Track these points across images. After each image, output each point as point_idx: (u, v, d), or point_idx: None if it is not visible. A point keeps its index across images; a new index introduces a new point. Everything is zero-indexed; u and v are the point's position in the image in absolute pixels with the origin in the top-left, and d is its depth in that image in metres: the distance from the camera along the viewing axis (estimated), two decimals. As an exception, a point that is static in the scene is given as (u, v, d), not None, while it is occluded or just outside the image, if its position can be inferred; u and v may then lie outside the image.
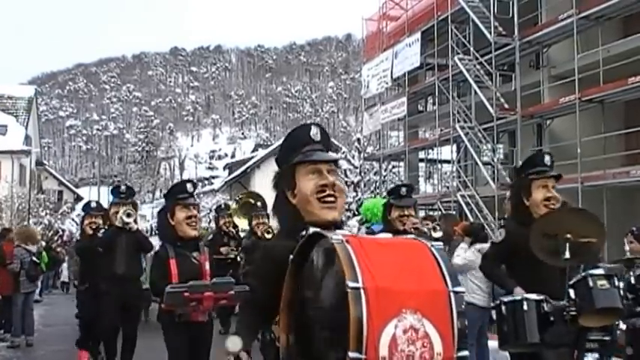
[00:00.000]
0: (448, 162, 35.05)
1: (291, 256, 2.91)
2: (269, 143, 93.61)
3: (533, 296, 5.39)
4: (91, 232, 10.72)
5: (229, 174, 72.17)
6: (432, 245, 2.71)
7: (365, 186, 40.37)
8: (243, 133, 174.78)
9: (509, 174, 24.46)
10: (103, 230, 10.12)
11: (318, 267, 2.77)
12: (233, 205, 15.25)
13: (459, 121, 28.65)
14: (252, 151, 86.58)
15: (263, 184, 42.23)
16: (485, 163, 28.28)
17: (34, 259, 14.11)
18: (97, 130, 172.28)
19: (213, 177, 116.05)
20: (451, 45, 29.27)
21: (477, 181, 29.67)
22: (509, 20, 26.38)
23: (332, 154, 3.62)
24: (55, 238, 36.60)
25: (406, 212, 7.38)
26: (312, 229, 2.90)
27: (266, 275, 3.24)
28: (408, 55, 32.33)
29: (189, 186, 6.83)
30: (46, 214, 46.20)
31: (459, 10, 28.67)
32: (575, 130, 22.74)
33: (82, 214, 12.51)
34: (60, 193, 69.53)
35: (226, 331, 13.25)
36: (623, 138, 23.49)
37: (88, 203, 11.85)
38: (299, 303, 2.89)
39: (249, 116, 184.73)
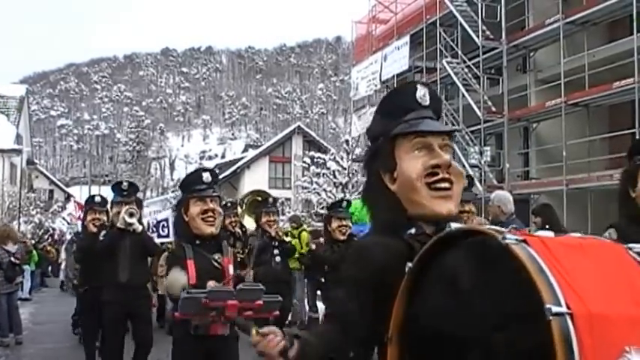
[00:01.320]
0: (436, 164, 35.20)
1: (410, 264, 2.17)
2: (259, 144, 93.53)
3: None
4: (94, 229, 9.52)
5: (219, 174, 72.22)
6: (630, 247, 1.93)
7: (353, 187, 40.45)
8: (233, 134, 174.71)
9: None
10: (104, 232, 8.89)
11: (461, 278, 1.98)
12: (239, 209, 13.62)
13: (446, 124, 28.77)
14: (242, 152, 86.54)
15: (253, 184, 42.47)
16: (472, 166, 28.38)
17: (13, 259, 13.60)
18: (88, 129, 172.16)
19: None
20: (439, 48, 29.47)
21: (464, 183, 29.82)
22: (496, 24, 26.62)
23: (445, 125, 2.74)
24: (46, 237, 36.75)
25: (466, 208, 6.63)
26: (453, 225, 2.10)
27: (361, 286, 2.34)
28: (397, 57, 32.54)
29: (205, 176, 5.64)
30: (37, 212, 46.34)
31: (447, 14, 28.89)
32: (560, 134, 22.97)
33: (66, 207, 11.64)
34: (51, 192, 69.64)
35: None
36: (608, 141, 23.71)
37: (92, 197, 10.50)
38: (420, 330, 2.13)
39: (240, 117, 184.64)
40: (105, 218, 9.73)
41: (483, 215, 23.97)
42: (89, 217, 9.91)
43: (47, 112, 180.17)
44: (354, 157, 40.19)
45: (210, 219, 5.47)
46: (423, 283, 2.13)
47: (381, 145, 2.57)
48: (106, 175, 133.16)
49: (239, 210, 13.25)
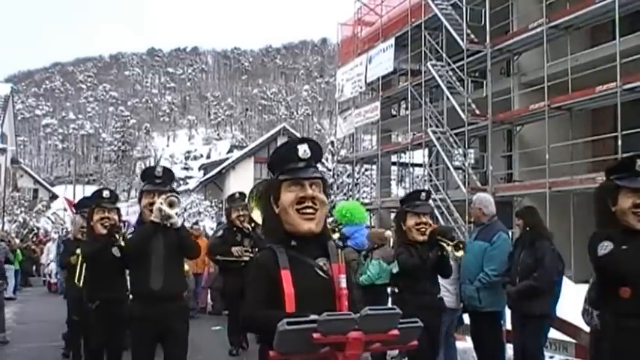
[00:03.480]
0: (420, 166, 35.32)
1: None
2: (244, 145, 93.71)
3: None
4: (104, 231, 7.91)
5: (204, 174, 72.35)
6: None
7: (338, 188, 40.54)
8: (218, 134, 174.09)
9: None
10: (132, 229, 7.58)
11: None
12: (252, 203, 10.56)
13: (431, 126, 28.88)
14: (228, 152, 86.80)
15: (238, 185, 42.40)
16: (456, 168, 28.55)
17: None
18: (73, 129, 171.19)
19: (189, 177, 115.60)
20: (424, 51, 29.50)
21: (448, 185, 29.88)
22: (481, 28, 26.69)
23: None
24: (30, 236, 36.73)
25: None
26: None
27: None
28: (382, 60, 32.59)
29: (302, 149, 3.71)
30: (21, 212, 46.26)
31: (432, 17, 28.95)
32: (544, 137, 23.09)
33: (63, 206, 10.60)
34: (35, 191, 69.53)
35: None
36: (590, 145, 23.87)
37: (99, 192, 8.47)
38: None
39: (225, 117, 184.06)
40: (116, 217, 8.16)
41: (467, 217, 24.17)
42: (96, 217, 8.10)
43: (32, 111, 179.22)
44: (338, 158, 40.35)
45: (310, 210, 3.64)
46: None
47: None
48: (91, 175, 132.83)
49: (249, 203, 10.69)
